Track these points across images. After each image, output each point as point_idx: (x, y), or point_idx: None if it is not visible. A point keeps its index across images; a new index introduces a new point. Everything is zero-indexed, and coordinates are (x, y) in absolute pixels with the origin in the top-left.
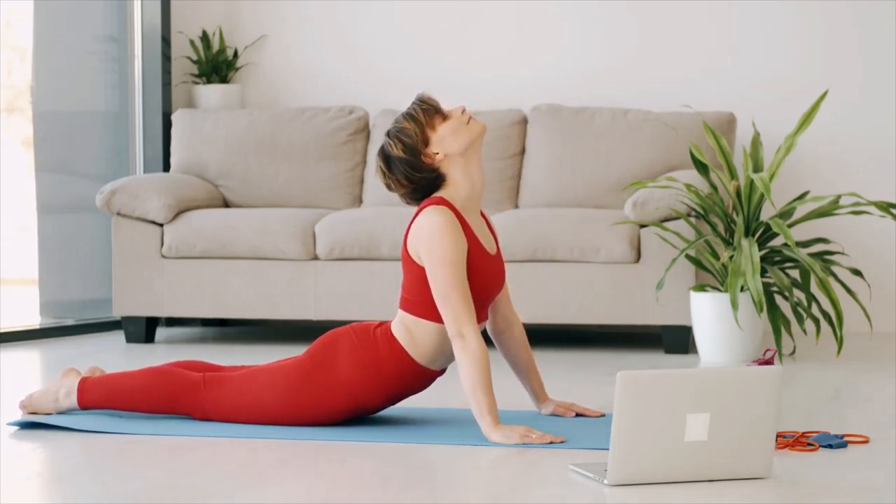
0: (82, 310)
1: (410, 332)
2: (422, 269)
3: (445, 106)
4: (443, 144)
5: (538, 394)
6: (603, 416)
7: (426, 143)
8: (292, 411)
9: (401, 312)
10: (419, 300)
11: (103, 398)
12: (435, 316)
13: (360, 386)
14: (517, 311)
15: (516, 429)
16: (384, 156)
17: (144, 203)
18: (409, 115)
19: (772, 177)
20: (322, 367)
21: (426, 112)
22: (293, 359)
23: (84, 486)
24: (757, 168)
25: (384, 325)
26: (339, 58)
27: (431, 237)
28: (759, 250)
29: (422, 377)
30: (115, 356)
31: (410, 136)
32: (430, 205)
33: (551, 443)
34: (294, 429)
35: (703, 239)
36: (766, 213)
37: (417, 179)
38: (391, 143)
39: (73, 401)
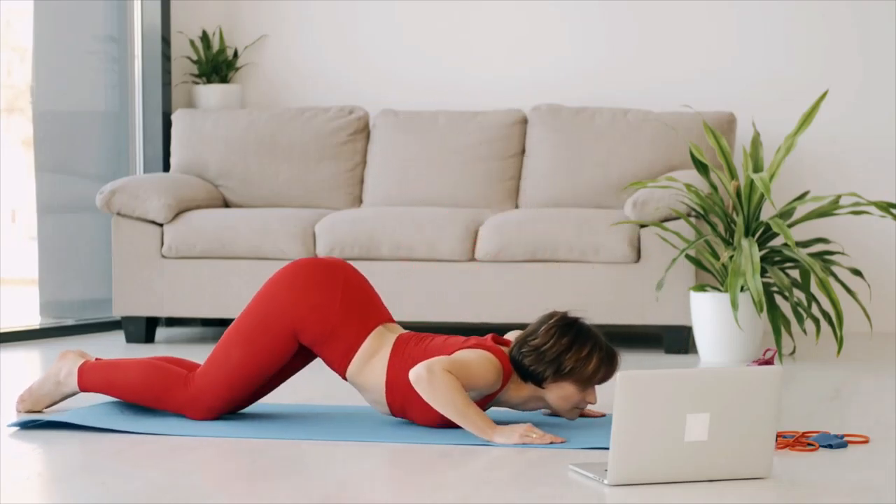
0: (82, 310)
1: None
2: None
3: (602, 386)
4: (555, 391)
5: None
6: (604, 416)
7: (558, 378)
8: (247, 352)
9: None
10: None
11: (102, 386)
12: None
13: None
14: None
15: (516, 428)
16: (579, 334)
17: (144, 203)
18: (601, 363)
19: (772, 177)
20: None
21: (592, 378)
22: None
23: (84, 486)
24: (757, 168)
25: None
26: (339, 58)
27: (471, 359)
28: (759, 250)
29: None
30: (114, 356)
31: (572, 366)
32: (495, 354)
33: (551, 443)
34: (294, 429)
35: (703, 239)
36: (766, 213)
37: (533, 365)
38: (584, 347)
39: (73, 383)
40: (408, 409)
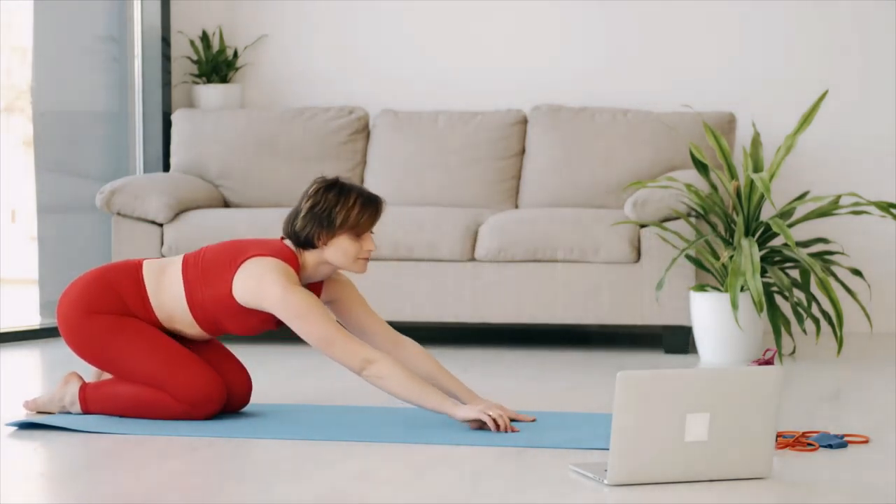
0: None
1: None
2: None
3: (376, 232)
4: (333, 248)
5: (462, 396)
6: (534, 420)
7: (332, 233)
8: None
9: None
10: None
11: (105, 409)
12: None
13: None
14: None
15: (479, 404)
16: (342, 188)
17: (144, 203)
18: (363, 207)
19: (772, 177)
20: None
21: (359, 222)
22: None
23: (84, 486)
24: (757, 168)
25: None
26: (339, 58)
27: (301, 304)
28: (759, 250)
29: None
30: None
31: (342, 217)
32: (283, 258)
33: (514, 422)
34: (293, 429)
35: (703, 239)
36: (766, 213)
37: (306, 227)
38: (349, 197)
39: (78, 408)
40: (220, 324)
